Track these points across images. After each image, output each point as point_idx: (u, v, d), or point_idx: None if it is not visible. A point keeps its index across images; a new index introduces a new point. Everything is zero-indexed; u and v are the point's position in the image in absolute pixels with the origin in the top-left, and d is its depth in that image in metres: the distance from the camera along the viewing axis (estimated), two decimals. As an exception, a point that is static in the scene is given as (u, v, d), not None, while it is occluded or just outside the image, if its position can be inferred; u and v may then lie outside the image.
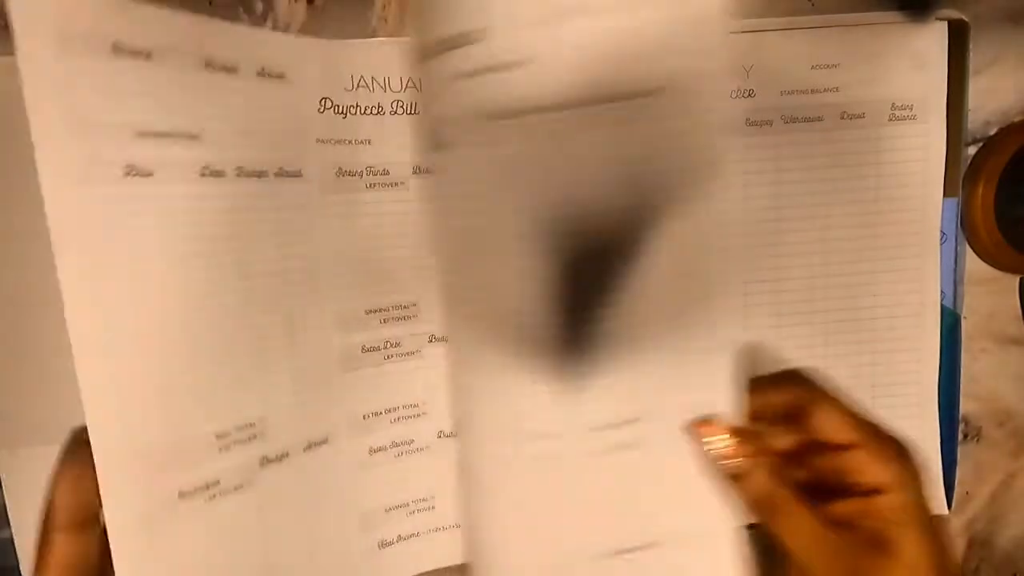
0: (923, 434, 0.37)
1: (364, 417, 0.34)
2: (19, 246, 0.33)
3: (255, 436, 0.28)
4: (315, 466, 0.31)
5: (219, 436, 0.27)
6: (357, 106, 0.32)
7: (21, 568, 0.35)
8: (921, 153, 0.35)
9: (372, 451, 0.34)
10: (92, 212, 0.23)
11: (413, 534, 0.35)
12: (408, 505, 0.35)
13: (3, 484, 0.34)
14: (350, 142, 0.32)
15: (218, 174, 0.26)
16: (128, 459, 0.24)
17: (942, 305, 0.37)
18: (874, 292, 0.36)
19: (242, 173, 0.27)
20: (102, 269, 0.23)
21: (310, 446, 0.31)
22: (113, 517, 0.23)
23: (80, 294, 0.22)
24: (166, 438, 0.25)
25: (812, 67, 0.34)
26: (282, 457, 0.29)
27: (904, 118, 0.35)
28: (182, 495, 0.25)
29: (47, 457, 0.34)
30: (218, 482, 0.26)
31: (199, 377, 0.26)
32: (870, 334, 0.36)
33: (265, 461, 0.29)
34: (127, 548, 0.23)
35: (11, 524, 0.35)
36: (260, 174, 0.28)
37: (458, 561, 0.36)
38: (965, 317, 0.38)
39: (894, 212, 0.36)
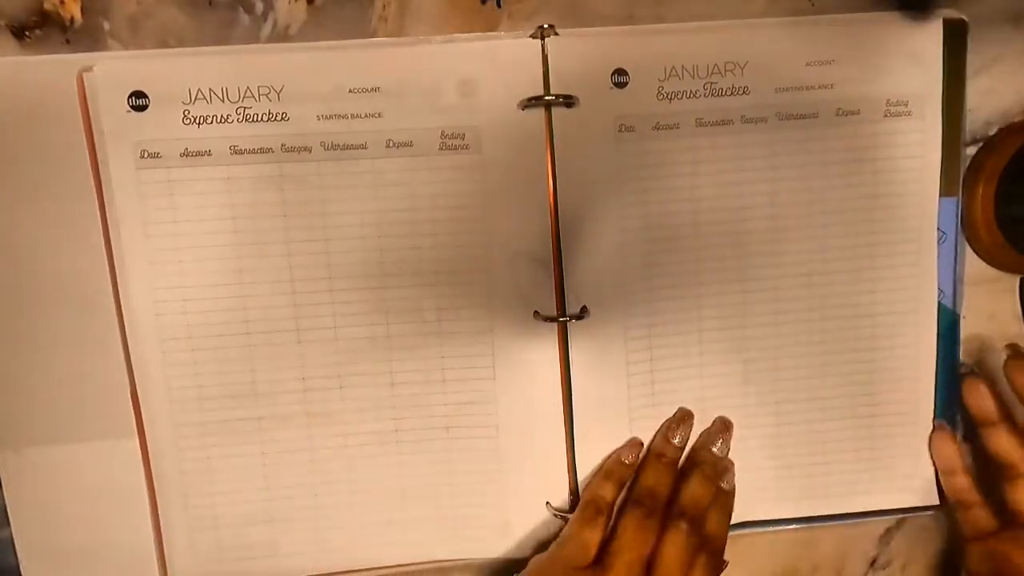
0: (918, 430, 0.37)
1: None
2: (20, 247, 0.33)
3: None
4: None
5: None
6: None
7: (21, 568, 0.35)
8: (917, 149, 0.35)
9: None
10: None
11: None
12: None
13: (3, 484, 0.34)
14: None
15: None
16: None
17: (942, 305, 0.37)
18: (871, 289, 0.36)
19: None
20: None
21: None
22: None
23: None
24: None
25: (807, 64, 0.34)
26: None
27: (900, 114, 0.35)
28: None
29: (47, 457, 0.34)
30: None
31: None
32: (868, 331, 0.37)
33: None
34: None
35: (11, 524, 0.35)
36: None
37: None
38: (965, 317, 0.38)
39: (891, 209, 0.36)
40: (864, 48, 0.34)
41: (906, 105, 0.35)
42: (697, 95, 0.34)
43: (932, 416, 0.37)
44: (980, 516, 0.35)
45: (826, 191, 0.35)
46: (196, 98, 0.32)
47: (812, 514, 0.38)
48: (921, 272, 0.36)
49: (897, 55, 0.35)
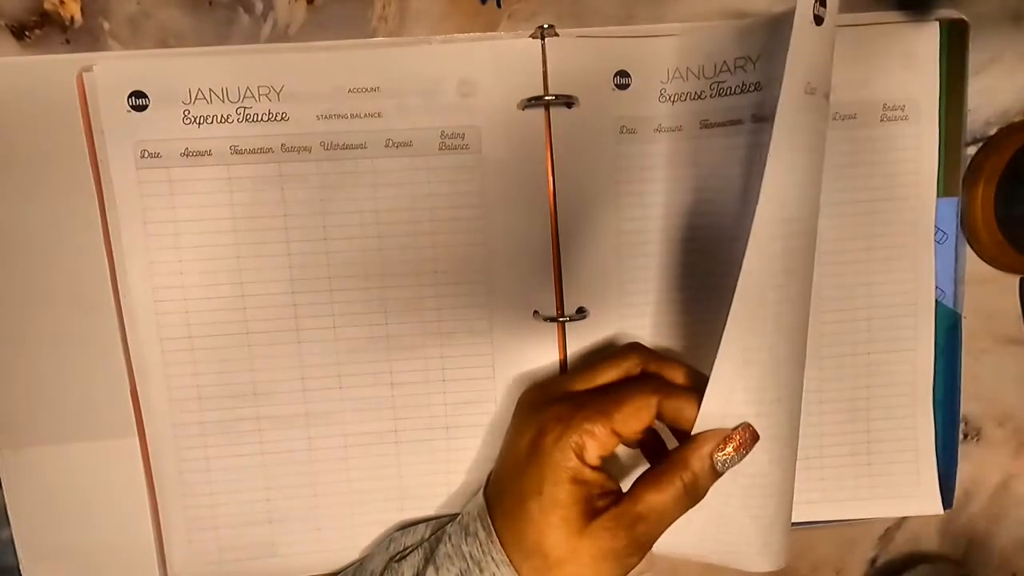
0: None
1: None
2: (20, 247, 0.33)
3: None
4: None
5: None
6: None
7: (21, 568, 0.35)
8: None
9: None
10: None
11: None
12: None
13: (3, 484, 0.34)
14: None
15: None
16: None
17: (943, 305, 0.37)
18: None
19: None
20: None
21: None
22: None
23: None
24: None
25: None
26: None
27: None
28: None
29: (47, 457, 0.34)
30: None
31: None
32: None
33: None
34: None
35: (11, 524, 0.35)
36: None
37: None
38: (965, 317, 0.38)
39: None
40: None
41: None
42: (703, 95, 0.34)
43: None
44: None
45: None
46: (196, 98, 0.32)
47: (811, 519, 0.38)
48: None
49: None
